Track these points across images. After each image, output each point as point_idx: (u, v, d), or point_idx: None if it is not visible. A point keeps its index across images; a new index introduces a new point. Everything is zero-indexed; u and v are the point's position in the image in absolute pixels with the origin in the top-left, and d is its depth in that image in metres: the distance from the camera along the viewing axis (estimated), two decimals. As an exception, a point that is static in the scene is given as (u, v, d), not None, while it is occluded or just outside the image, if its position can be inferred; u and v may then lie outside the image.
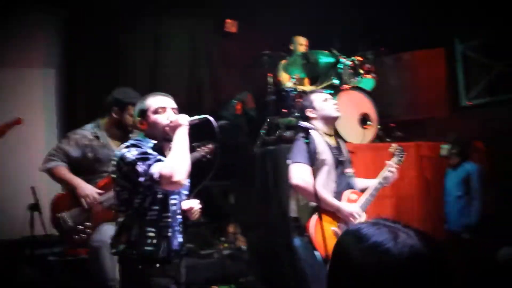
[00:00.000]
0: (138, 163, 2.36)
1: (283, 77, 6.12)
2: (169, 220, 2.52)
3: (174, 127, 2.49)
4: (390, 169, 3.41)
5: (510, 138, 5.60)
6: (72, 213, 3.50)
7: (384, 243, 1.04)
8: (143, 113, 2.57)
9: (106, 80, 5.22)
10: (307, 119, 3.45)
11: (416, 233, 1.07)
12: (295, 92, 5.47)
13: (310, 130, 3.11)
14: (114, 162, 2.50)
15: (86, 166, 3.67)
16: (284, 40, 6.51)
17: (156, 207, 2.48)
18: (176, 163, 2.38)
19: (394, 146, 3.52)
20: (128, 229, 2.47)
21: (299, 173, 3.17)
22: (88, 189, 3.51)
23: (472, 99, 6.50)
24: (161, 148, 2.55)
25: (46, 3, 5.16)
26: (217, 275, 4.31)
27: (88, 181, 3.60)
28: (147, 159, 2.38)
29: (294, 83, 5.52)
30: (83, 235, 3.47)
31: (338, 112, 3.48)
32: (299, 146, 3.25)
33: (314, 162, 3.18)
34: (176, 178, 2.33)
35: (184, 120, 2.52)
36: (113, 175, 2.53)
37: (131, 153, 2.40)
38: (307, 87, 6.17)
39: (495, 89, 6.35)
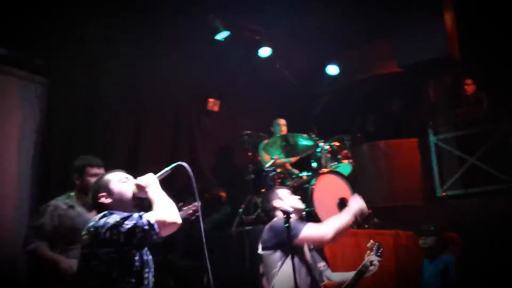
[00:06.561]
0: (125, 222, 2.28)
1: (263, 157, 6.16)
2: None
3: (144, 187, 2.46)
4: (373, 263, 3.35)
5: (483, 230, 5.68)
6: None
7: None
8: (106, 187, 2.51)
9: (84, 151, 5.11)
10: (269, 211, 3.51)
11: None
12: (274, 172, 5.47)
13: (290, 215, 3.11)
14: (88, 234, 2.34)
15: (63, 236, 3.56)
16: (264, 121, 6.65)
17: (133, 280, 2.34)
18: (166, 205, 2.36)
19: (371, 242, 3.47)
20: None
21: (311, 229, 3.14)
22: (69, 262, 3.43)
23: (446, 190, 6.64)
24: None
25: (27, 70, 5.16)
26: None
27: (67, 251, 3.50)
28: (131, 216, 2.31)
29: (273, 164, 5.54)
30: None
31: (302, 204, 3.56)
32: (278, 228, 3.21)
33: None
34: (172, 219, 2.31)
35: (153, 177, 2.51)
36: (85, 250, 2.35)
37: (112, 218, 2.32)
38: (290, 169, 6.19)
39: (468, 181, 6.53)
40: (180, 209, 3.62)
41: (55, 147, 5.09)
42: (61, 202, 3.69)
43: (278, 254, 3.18)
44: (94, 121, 5.49)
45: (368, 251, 3.40)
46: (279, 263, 3.16)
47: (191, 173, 2.53)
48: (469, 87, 7.29)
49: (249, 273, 4.24)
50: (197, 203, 3.59)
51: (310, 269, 3.26)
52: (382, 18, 7.03)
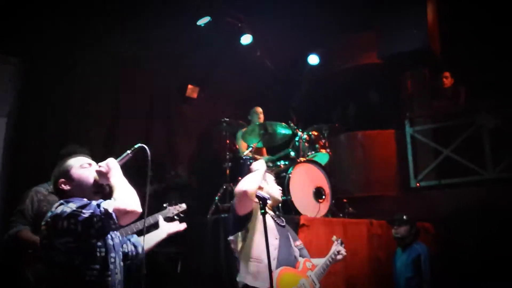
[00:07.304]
0: (83, 210, 2.19)
1: (241, 145, 6.15)
2: (109, 279, 2.32)
3: (106, 173, 2.38)
4: (340, 253, 3.58)
5: (455, 220, 5.81)
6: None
7: None
8: (66, 173, 2.41)
9: (57, 135, 5.04)
10: None
11: None
12: (252, 161, 5.47)
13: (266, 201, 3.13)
14: (46, 225, 2.27)
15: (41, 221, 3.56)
16: (242, 109, 6.64)
17: (97, 266, 2.28)
18: (126, 193, 2.28)
19: (335, 237, 3.72)
20: None
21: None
22: None
23: (420, 181, 6.75)
24: None
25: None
26: None
27: None
28: (89, 204, 2.23)
29: (251, 152, 5.54)
30: None
31: (281, 196, 3.68)
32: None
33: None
34: (131, 207, 2.22)
35: (114, 162, 2.42)
36: (44, 240, 2.28)
37: (69, 207, 2.23)
38: (265, 157, 6.21)
39: (442, 173, 6.65)
40: (164, 209, 3.66)
41: (28, 131, 4.98)
42: (43, 187, 3.76)
43: (240, 233, 3.27)
44: (69, 104, 5.40)
45: (335, 242, 3.65)
46: (242, 243, 3.25)
47: (149, 157, 2.45)
48: (447, 80, 7.37)
49: (224, 259, 4.25)
50: (183, 205, 3.64)
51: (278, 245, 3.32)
52: (364, 9, 7.05)
